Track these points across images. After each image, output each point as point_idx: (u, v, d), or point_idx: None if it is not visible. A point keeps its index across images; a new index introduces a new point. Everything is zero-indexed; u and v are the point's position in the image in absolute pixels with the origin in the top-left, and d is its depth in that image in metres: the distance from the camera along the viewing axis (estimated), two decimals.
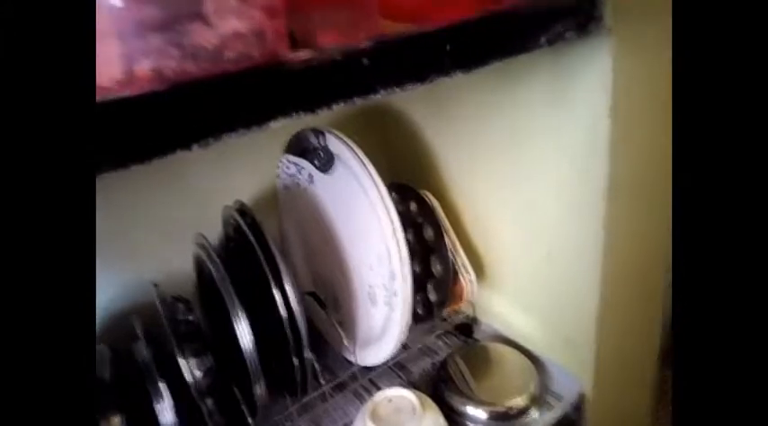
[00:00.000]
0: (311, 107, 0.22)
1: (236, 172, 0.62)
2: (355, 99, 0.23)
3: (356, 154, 0.46)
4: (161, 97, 0.19)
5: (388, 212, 0.44)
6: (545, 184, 0.48)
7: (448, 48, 0.25)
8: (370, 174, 0.45)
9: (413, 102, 0.63)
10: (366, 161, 0.45)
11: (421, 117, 0.62)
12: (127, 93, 0.19)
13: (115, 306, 0.55)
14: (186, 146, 0.20)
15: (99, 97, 0.18)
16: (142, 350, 0.45)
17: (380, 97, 0.24)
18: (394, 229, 0.44)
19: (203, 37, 0.19)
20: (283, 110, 0.22)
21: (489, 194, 0.56)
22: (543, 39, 0.30)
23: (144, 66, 0.19)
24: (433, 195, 0.58)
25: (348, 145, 0.47)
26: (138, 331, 0.46)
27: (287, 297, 0.44)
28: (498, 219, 0.56)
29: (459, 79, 0.30)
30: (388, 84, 0.24)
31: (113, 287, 0.55)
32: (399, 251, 0.44)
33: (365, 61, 0.23)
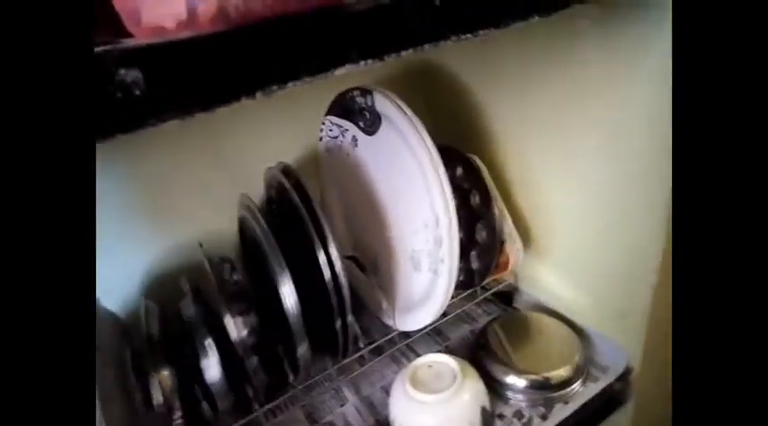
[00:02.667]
0: (379, 53, 0.20)
1: (276, 134, 0.61)
2: (426, 45, 0.21)
3: (406, 114, 0.44)
4: (225, 39, 0.18)
5: (438, 176, 0.43)
6: (603, 154, 0.45)
7: None
8: (421, 135, 0.43)
9: (460, 60, 0.59)
10: (417, 121, 0.43)
11: (468, 76, 0.59)
12: (190, 33, 0.18)
13: (163, 265, 0.56)
14: (250, 93, 0.19)
15: (160, 38, 0.17)
16: (190, 308, 0.46)
17: (451, 43, 0.22)
18: (444, 195, 0.43)
19: None
20: (349, 55, 0.20)
21: (540, 160, 0.53)
22: None
23: (208, 5, 0.18)
24: (481, 159, 0.56)
25: (398, 104, 0.45)
26: (186, 289, 0.47)
27: (331, 260, 0.44)
28: (549, 186, 0.53)
29: (511, 34, 0.27)
30: (461, 29, 0.22)
31: (160, 247, 0.56)
32: (450, 217, 0.43)
33: (437, 2, 0.21)
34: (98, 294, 0.49)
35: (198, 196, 0.58)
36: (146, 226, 0.56)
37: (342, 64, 0.20)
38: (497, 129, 0.57)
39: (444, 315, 0.59)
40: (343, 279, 0.44)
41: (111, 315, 0.51)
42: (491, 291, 0.61)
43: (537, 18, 0.24)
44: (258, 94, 0.19)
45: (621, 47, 0.40)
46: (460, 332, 0.60)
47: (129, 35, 0.19)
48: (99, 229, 0.56)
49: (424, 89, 0.64)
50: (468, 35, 0.22)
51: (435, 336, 0.60)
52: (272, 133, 0.61)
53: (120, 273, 0.55)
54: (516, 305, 0.63)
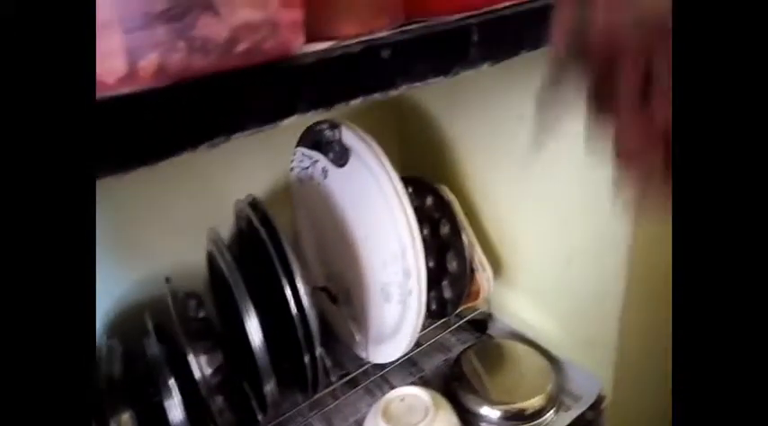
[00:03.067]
0: (327, 103, 0.21)
1: (248, 165, 0.61)
2: (374, 94, 0.21)
3: (371, 147, 0.44)
4: (167, 94, 0.18)
5: (403, 208, 0.43)
6: (568, 181, 0.46)
7: (475, 38, 0.23)
8: (386, 169, 0.43)
9: (429, 93, 0.60)
10: (381, 154, 0.44)
11: (438, 108, 0.60)
12: (129, 89, 0.18)
13: (128, 300, 0.54)
14: (194, 146, 0.18)
15: (99, 94, 0.17)
16: (153, 347, 0.45)
17: (400, 91, 0.23)
18: (410, 226, 0.43)
19: (212, 29, 0.18)
20: (297, 106, 0.20)
21: (509, 190, 0.54)
22: None
23: (149, 61, 0.18)
24: (450, 189, 0.57)
25: (363, 138, 0.45)
26: (150, 327, 0.45)
27: (298, 294, 0.43)
28: (518, 216, 0.54)
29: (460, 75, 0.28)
30: (410, 78, 0.22)
31: (127, 282, 0.55)
32: (414, 248, 0.43)
33: (385, 53, 0.21)
34: None
35: (167, 229, 0.57)
36: (111, 260, 0.54)
37: (289, 115, 0.20)
38: (467, 160, 0.58)
39: (419, 345, 0.59)
40: (310, 313, 0.44)
41: None
42: (465, 319, 0.61)
43: (487, 66, 0.24)
44: (203, 147, 0.19)
45: None
46: (435, 362, 0.60)
47: None
48: None
49: (395, 120, 0.65)
50: (418, 83, 0.22)
51: (410, 367, 0.60)
52: (243, 162, 0.60)
53: None
54: (490, 332, 0.63)
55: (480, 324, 0.63)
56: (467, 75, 0.49)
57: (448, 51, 0.23)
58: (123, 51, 0.17)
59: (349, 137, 0.47)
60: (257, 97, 0.19)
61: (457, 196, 0.57)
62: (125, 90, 0.17)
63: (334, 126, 0.48)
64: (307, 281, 0.44)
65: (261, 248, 0.46)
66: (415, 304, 0.44)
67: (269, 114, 0.19)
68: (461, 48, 0.24)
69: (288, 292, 0.43)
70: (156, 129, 0.18)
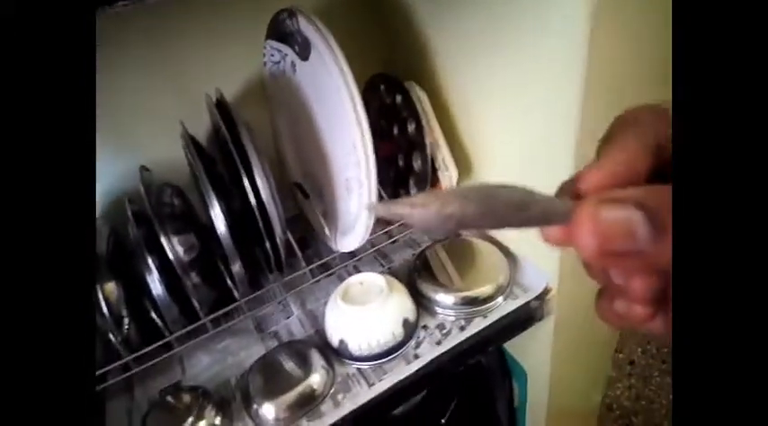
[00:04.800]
0: None
1: (225, 60, 0.61)
2: None
3: (325, 38, 0.43)
4: None
5: (353, 101, 0.43)
6: (530, 84, 0.45)
7: None
8: (337, 59, 0.43)
9: None
10: (333, 44, 0.43)
11: (418, 6, 0.56)
12: None
13: (114, 188, 0.59)
14: None
15: None
16: (133, 228, 0.50)
17: None
18: (358, 119, 0.43)
19: None
20: None
21: (479, 89, 0.52)
22: None
23: None
24: (424, 87, 0.56)
25: (318, 27, 0.44)
26: (129, 212, 0.50)
27: (255, 185, 0.46)
28: (487, 115, 0.53)
29: None
30: None
31: (111, 173, 0.59)
32: (363, 141, 0.44)
33: None
34: None
35: (155, 124, 0.60)
36: (99, 152, 0.58)
37: None
38: (439, 58, 0.56)
39: (390, 237, 0.62)
40: (270, 204, 0.47)
41: None
42: None
43: None
44: None
45: None
46: (404, 256, 0.64)
47: None
48: None
49: (367, 14, 0.62)
50: None
51: (381, 259, 0.64)
52: (220, 59, 0.60)
53: None
54: (461, 231, 0.65)
55: None
56: None
57: None
58: None
59: (306, 26, 0.46)
60: None
61: (429, 95, 0.56)
62: None
63: (292, 14, 0.47)
64: (266, 172, 0.47)
65: (226, 143, 0.48)
66: (366, 194, 0.46)
67: None
68: None
69: (246, 184, 0.46)
70: None
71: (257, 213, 0.46)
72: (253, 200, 0.46)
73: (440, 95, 0.58)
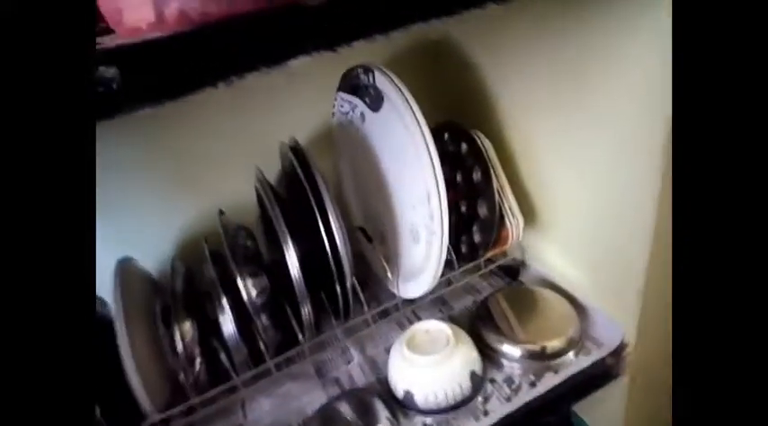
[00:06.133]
0: (331, 44, 0.23)
1: (295, 109, 0.64)
2: (376, 35, 0.23)
3: (401, 92, 0.46)
4: (187, 37, 0.21)
5: (429, 154, 0.45)
6: (604, 131, 0.45)
7: None
8: (414, 114, 0.45)
9: (468, 36, 0.59)
10: (411, 99, 0.45)
11: (475, 53, 0.59)
12: (158, 34, 0.21)
13: (191, 231, 0.62)
14: (212, 83, 0.22)
15: (135, 38, 0.20)
16: (209, 270, 0.51)
17: (418, 28, 0.24)
18: (435, 171, 0.45)
19: None
20: (302, 48, 0.22)
21: (544, 137, 0.53)
22: None
23: (172, 9, 0.21)
24: (488, 135, 0.57)
25: (394, 82, 0.46)
26: (207, 253, 0.52)
27: (331, 231, 0.47)
28: (553, 164, 0.53)
29: (514, 7, 0.28)
30: (414, 17, 0.23)
31: (188, 214, 0.62)
32: (439, 193, 0.45)
33: None
34: (136, 255, 0.56)
35: (226, 168, 0.63)
36: (175, 194, 0.61)
37: (295, 55, 0.22)
38: (503, 106, 0.57)
39: (450, 284, 0.62)
40: (341, 249, 0.48)
41: (146, 274, 0.58)
42: (495, 264, 0.63)
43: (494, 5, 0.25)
44: (220, 84, 0.22)
45: (616, 23, 0.39)
46: (464, 303, 0.63)
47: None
48: (135, 200, 0.62)
49: (434, 64, 0.65)
50: (436, 19, 0.24)
51: (440, 305, 0.63)
52: (289, 108, 0.64)
53: (155, 237, 0.62)
54: (522, 279, 0.64)
55: (512, 271, 0.65)
56: (506, 17, 0.48)
57: None
58: (151, 1, 0.20)
59: (381, 81, 0.48)
60: (263, 40, 0.21)
61: (493, 143, 0.57)
62: (155, 34, 0.21)
63: (367, 70, 0.50)
64: (340, 219, 0.48)
65: (301, 188, 0.50)
66: (438, 243, 0.47)
67: (275, 55, 0.22)
68: None
69: (322, 229, 0.47)
70: (180, 68, 0.21)
71: (331, 257, 0.47)
72: (327, 245, 0.47)
73: (504, 144, 0.59)
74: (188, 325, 0.49)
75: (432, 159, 0.44)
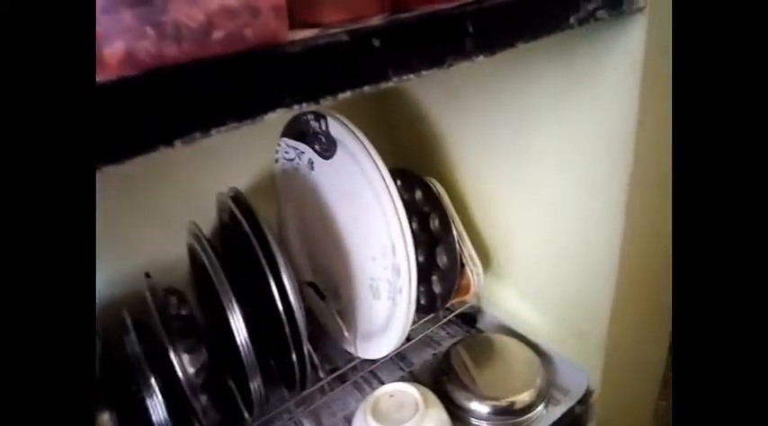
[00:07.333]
0: (313, 97, 0.19)
1: (230, 156, 0.59)
2: (364, 87, 0.20)
3: (359, 140, 0.43)
4: (136, 84, 0.16)
5: (393, 204, 0.42)
6: (559, 174, 0.46)
7: (470, 29, 0.22)
8: (375, 162, 0.42)
9: (419, 83, 0.59)
10: (370, 147, 0.42)
11: (427, 99, 0.58)
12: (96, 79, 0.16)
13: (106, 295, 0.52)
14: (168, 142, 0.17)
15: None
16: (133, 344, 0.43)
17: (392, 84, 0.21)
18: (400, 222, 0.42)
19: (186, 13, 0.16)
20: (281, 100, 0.19)
21: (498, 182, 0.53)
22: (573, 19, 0.27)
23: (115, 49, 0.16)
24: (440, 182, 0.56)
25: (351, 130, 0.44)
26: (129, 323, 0.44)
27: (284, 290, 0.42)
28: (508, 209, 0.53)
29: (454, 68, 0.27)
30: (402, 70, 0.21)
31: (103, 276, 0.53)
32: (405, 245, 0.42)
33: (376, 43, 0.20)
34: None
35: (145, 222, 0.55)
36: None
37: (273, 109, 0.19)
38: (457, 152, 0.57)
39: (408, 339, 0.58)
40: (297, 311, 0.42)
41: None
42: (454, 313, 0.60)
43: (482, 57, 0.23)
44: (177, 143, 0.17)
45: (576, 71, 0.40)
46: (424, 357, 0.59)
47: None
48: None
49: (383, 111, 0.64)
50: (411, 76, 0.21)
51: (399, 361, 0.59)
52: (225, 154, 0.58)
53: None
54: (480, 326, 0.62)
55: (469, 318, 0.63)
56: (459, 66, 0.48)
57: (442, 42, 0.22)
58: None
59: (335, 128, 0.45)
60: (236, 89, 0.17)
61: (446, 189, 0.56)
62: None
63: (319, 117, 0.47)
64: (293, 276, 0.43)
65: (244, 242, 0.45)
66: (405, 301, 0.43)
67: (250, 108, 0.18)
68: (456, 39, 0.22)
69: (273, 288, 0.42)
70: (125, 124, 0.16)
71: (285, 320, 0.41)
72: (281, 306, 0.41)
73: (456, 190, 0.58)
74: (106, 417, 0.40)
75: (396, 209, 0.41)
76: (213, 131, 0.17)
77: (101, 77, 0.16)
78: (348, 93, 0.20)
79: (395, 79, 0.21)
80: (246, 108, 0.18)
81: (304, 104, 0.19)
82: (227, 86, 0.17)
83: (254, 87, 0.18)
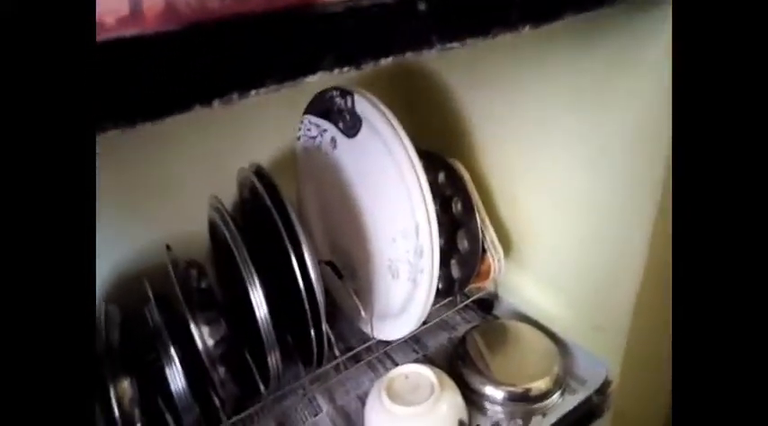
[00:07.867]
0: (354, 60, 0.18)
1: (252, 131, 0.58)
2: (407, 53, 0.19)
3: (387, 118, 0.42)
4: (176, 39, 0.15)
5: (419, 184, 0.41)
6: (589, 165, 0.44)
7: None
8: (402, 141, 0.41)
9: (446, 64, 0.57)
10: (398, 126, 0.41)
11: (454, 81, 0.57)
12: (132, 32, 0.15)
13: (127, 267, 0.53)
14: (206, 101, 0.16)
15: (98, 36, 0.15)
16: (154, 314, 0.44)
17: (434, 52, 0.20)
18: (425, 203, 0.41)
19: None
20: (322, 62, 0.18)
21: (524, 168, 0.52)
22: None
23: (155, 1, 0.15)
24: (464, 165, 0.54)
25: (379, 107, 0.43)
26: (150, 294, 0.44)
27: (305, 266, 0.42)
28: (531, 197, 0.52)
29: (502, 43, 0.26)
30: (447, 37, 0.20)
31: (125, 248, 0.53)
32: (430, 226, 0.41)
33: (422, 6, 0.19)
34: None
35: (169, 195, 0.55)
36: (110, 224, 0.52)
37: (313, 71, 0.18)
38: (481, 136, 0.56)
39: (424, 322, 0.58)
40: (317, 288, 0.42)
41: None
42: (471, 299, 0.60)
43: (528, 29, 0.22)
44: (215, 103, 0.17)
45: (609, 59, 0.39)
46: (439, 340, 0.59)
47: None
48: None
49: (407, 91, 0.62)
50: (455, 44, 0.20)
51: (414, 344, 0.59)
52: (247, 130, 0.58)
53: None
54: (496, 313, 0.62)
55: (486, 304, 0.62)
56: (485, 46, 0.46)
57: (488, 9, 0.21)
58: None
59: (362, 105, 0.44)
60: (277, 48, 0.17)
61: (470, 172, 0.55)
62: (127, 32, 0.15)
63: (345, 93, 0.46)
64: (314, 252, 0.43)
65: (266, 218, 0.44)
66: (427, 283, 0.43)
67: (291, 69, 0.17)
68: (503, 7, 0.21)
69: (294, 264, 0.42)
70: (163, 80, 0.15)
71: (305, 297, 0.41)
72: (301, 283, 0.41)
73: (479, 174, 0.57)
74: (126, 384, 0.41)
75: (422, 190, 0.41)
76: (252, 92, 0.17)
77: (138, 30, 0.15)
78: (390, 59, 0.19)
79: (438, 46, 0.20)
80: (287, 68, 0.17)
81: (345, 68, 0.18)
82: (269, 44, 0.16)
83: (295, 46, 0.17)
